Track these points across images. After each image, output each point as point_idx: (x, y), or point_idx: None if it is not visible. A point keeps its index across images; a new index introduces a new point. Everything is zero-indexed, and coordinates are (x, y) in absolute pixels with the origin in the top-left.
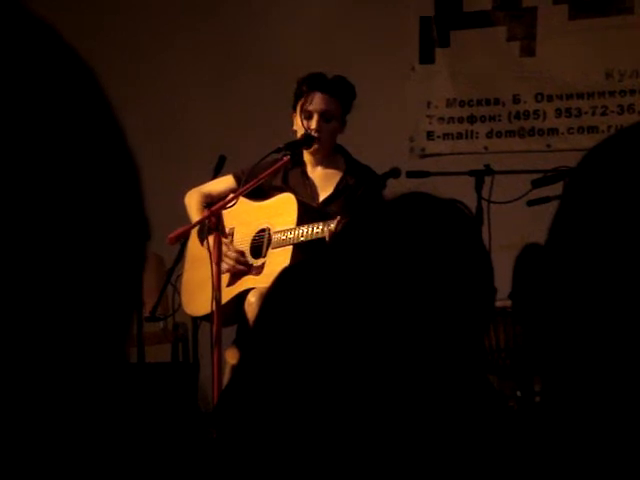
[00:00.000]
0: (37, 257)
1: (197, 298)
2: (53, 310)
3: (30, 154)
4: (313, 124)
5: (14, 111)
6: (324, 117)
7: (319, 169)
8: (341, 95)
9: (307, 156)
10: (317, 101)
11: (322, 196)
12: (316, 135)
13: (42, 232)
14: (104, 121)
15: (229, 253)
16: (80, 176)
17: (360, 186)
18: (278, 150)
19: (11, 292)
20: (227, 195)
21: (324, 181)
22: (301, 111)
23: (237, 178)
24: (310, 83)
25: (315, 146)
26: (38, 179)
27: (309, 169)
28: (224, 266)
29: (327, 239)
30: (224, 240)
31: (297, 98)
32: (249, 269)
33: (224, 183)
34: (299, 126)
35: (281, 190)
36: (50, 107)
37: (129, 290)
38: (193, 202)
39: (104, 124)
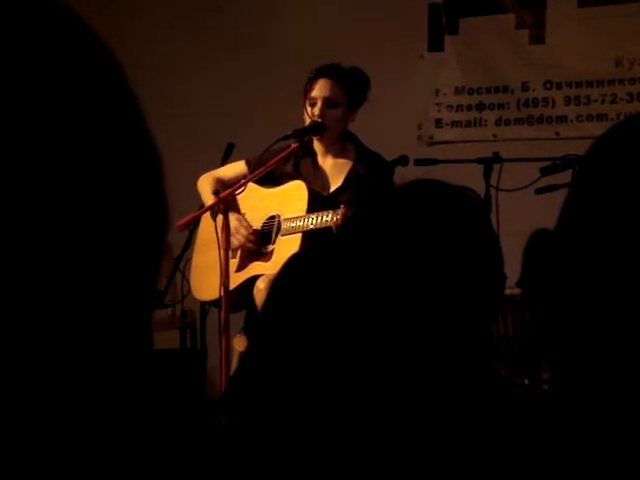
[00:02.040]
0: (57, 244)
1: (206, 283)
2: (71, 298)
3: (54, 142)
4: (316, 110)
5: (39, 98)
6: (328, 103)
7: (330, 159)
8: (345, 81)
9: (317, 145)
10: (319, 87)
11: (333, 186)
12: (319, 121)
13: (63, 219)
14: (127, 109)
15: (241, 230)
16: (104, 163)
17: (370, 175)
18: (286, 137)
19: (30, 281)
20: (238, 181)
21: (335, 171)
22: (307, 98)
23: (249, 164)
24: (317, 71)
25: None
26: (61, 166)
27: (320, 159)
28: (234, 242)
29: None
30: (238, 216)
31: (305, 87)
32: (259, 249)
33: (236, 168)
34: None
35: (292, 177)
36: (74, 95)
37: (148, 278)
38: (205, 187)
39: (127, 112)
